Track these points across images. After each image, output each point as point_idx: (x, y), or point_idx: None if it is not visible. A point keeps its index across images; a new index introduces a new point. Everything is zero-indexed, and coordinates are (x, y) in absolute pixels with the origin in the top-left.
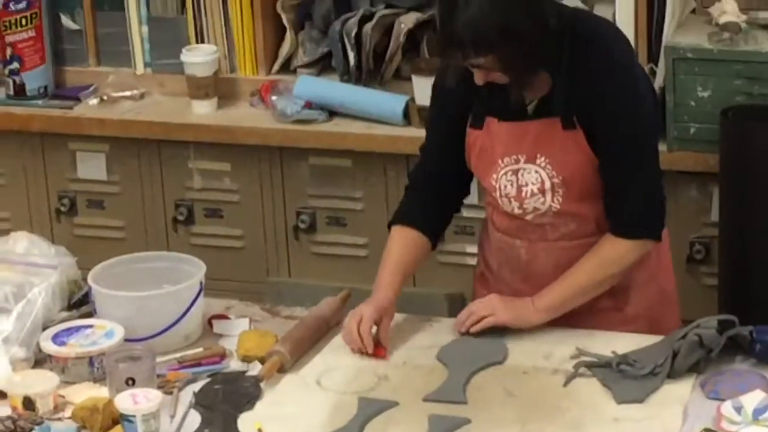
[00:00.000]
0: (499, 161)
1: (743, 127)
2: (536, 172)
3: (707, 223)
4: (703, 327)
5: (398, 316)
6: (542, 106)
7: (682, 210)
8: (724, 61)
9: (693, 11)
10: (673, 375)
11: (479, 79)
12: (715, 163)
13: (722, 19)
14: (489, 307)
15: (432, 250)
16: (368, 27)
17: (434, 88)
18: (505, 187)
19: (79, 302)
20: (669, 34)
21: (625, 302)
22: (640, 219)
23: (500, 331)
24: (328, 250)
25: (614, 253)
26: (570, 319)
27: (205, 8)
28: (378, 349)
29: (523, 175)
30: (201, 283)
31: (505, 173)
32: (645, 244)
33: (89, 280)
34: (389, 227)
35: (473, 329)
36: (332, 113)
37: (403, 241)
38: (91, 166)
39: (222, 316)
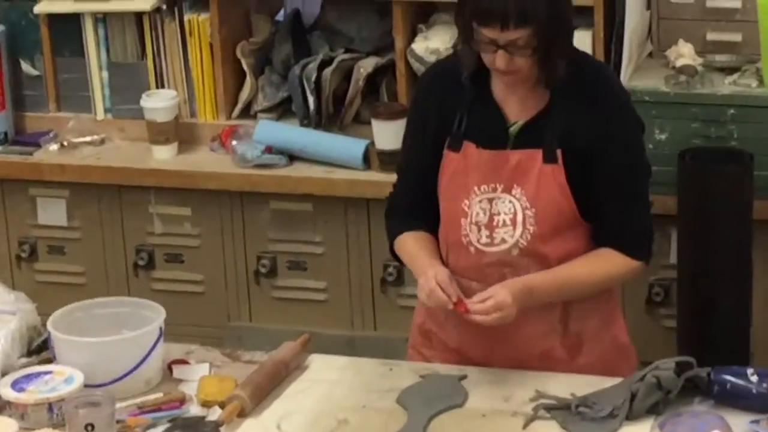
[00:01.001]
0: (476, 188)
1: (701, 169)
2: (510, 202)
3: (666, 265)
4: (662, 368)
5: (357, 360)
6: (524, 133)
7: None
8: (681, 104)
9: (650, 55)
10: (631, 417)
11: (501, 62)
12: (673, 206)
13: (679, 63)
14: (499, 307)
15: None
16: (328, 72)
17: (413, 106)
18: (478, 214)
19: (38, 348)
20: (626, 78)
21: (578, 352)
22: (644, 240)
23: (460, 373)
24: (288, 295)
25: (621, 269)
26: (524, 365)
27: (165, 53)
28: (460, 303)
29: (497, 204)
30: (161, 328)
31: (480, 201)
32: (639, 266)
33: (49, 326)
34: (391, 250)
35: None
36: (292, 158)
37: (414, 237)
38: (52, 212)
39: (182, 361)
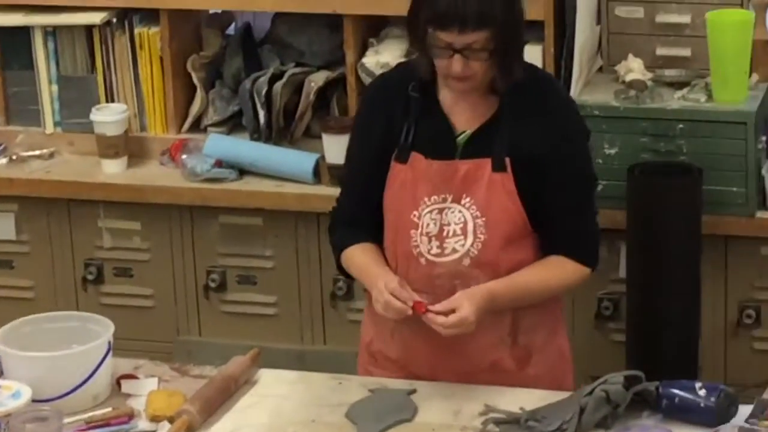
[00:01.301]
0: (426, 199)
1: (650, 183)
2: (460, 212)
3: (615, 280)
4: (610, 383)
5: (307, 374)
6: (472, 142)
7: None
8: (631, 118)
9: (600, 69)
10: (580, 431)
11: (457, 67)
12: (622, 220)
13: (628, 77)
14: (462, 320)
15: None
16: (278, 85)
17: (359, 117)
18: (428, 225)
19: None
20: (576, 92)
21: (526, 363)
22: (593, 247)
23: (409, 387)
24: (238, 309)
25: (572, 275)
26: (473, 379)
27: (115, 67)
28: (416, 303)
29: (447, 214)
30: (109, 342)
31: (431, 211)
32: (588, 272)
33: None
34: (338, 264)
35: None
36: (243, 172)
37: (361, 249)
38: (0, 226)
39: (131, 376)
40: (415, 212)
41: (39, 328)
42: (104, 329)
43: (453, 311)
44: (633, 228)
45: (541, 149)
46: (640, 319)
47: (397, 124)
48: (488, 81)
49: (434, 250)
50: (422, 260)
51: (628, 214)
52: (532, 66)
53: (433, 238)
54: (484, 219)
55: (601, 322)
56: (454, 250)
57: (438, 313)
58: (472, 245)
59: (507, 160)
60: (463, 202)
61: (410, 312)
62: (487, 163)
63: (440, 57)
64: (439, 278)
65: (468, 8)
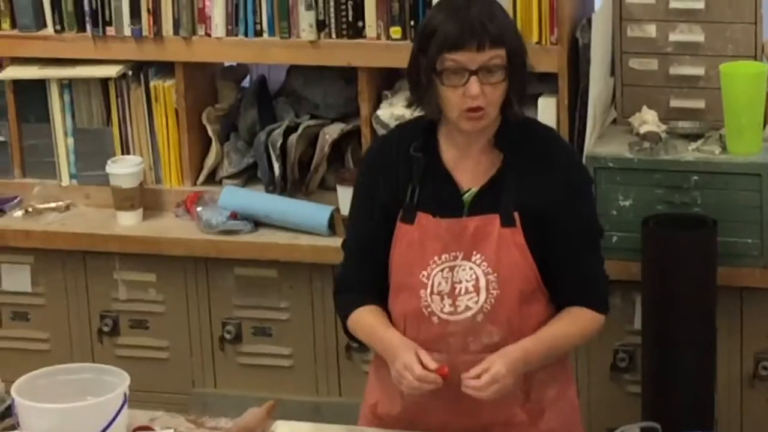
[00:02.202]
0: (436, 258)
1: (664, 235)
2: (471, 269)
3: (630, 331)
4: None
5: (323, 426)
6: (479, 199)
7: (606, 318)
8: (645, 170)
9: (614, 121)
10: None
11: (476, 88)
12: (637, 272)
13: (643, 129)
14: (495, 379)
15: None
16: (293, 138)
17: (360, 182)
18: (440, 284)
19: (2, 415)
20: (590, 144)
21: (540, 417)
22: (605, 294)
23: None
24: (253, 361)
25: (592, 325)
26: None
27: (130, 119)
28: (440, 369)
29: (458, 272)
30: (125, 394)
31: (441, 270)
32: (603, 319)
33: (12, 393)
34: (345, 331)
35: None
36: (258, 224)
37: (369, 312)
38: (16, 278)
39: (147, 428)
40: (424, 272)
41: (55, 379)
42: (120, 381)
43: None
44: (648, 280)
45: (548, 203)
46: (655, 371)
47: (401, 185)
48: (488, 134)
49: (447, 309)
50: (434, 319)
51: (643, 266)
52: (532, 120)
53: (446, 296)
54: (496, 275)
55: (616, 374)
56: (468, 308)
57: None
58: (485, 301)
59: (515, 214)
60: (473, 258)
61: (441, 382)
62: (495, 218)
63: (455, 84)
64: (453, 336)
65: (486, 25)
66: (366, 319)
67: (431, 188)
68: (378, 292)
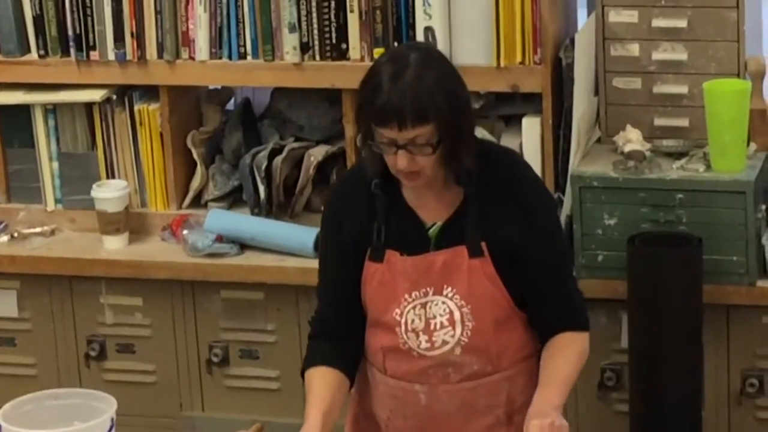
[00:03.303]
0: (406, 295)
1: (650, 253)
2: (443, 303)
3: (617, 350)
4: None
5: None
6: (445, 233)
7: (592, 337)
8: (630, 189)
9: (598, 140)
10: None
11: (402, 162)
12: (623, 290)
13: (627, 148)
14: (553, 425)
15: (350, 388)
16: (278, 160)
17: (326, 223)
18: (413, 321)
19: None
20: (575, 163)
21: None
22: (583, 313)
23: None
24: (241, 384)
25: (584, 345)
26: None
27: (115, 144)
28: None
29: (431, 307)
30: (112, 419)
31: (413, 307)
32: (587, 336)
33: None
34: (302, 375)
35: None
36: (243, 246)
37: (320, 380)
38: (2, 303)
39: None
40: (397, 310)
41: (41, 405)
42: (107, 406)
43: None
44: (634, 298)
45: (514, 231)
46: (643, 389)
47: (366, 223)
48: (442, 174)
49: (423, 345)
50: (414, 353)
51: (629, 284)
52: (488, 144)
53: (421, 333)
54: (469, 307)
55: (604, 393)
56: (445, 342)
57: None
58: (461, 334)
59: (483, 244)
60: (445, 292)
61: None
62: (463, 250)
63: (387, 153)
64: (432, 368)
65: (406, 104)
66: (311, 383)
67: (396, 225)
68: (352, 336)
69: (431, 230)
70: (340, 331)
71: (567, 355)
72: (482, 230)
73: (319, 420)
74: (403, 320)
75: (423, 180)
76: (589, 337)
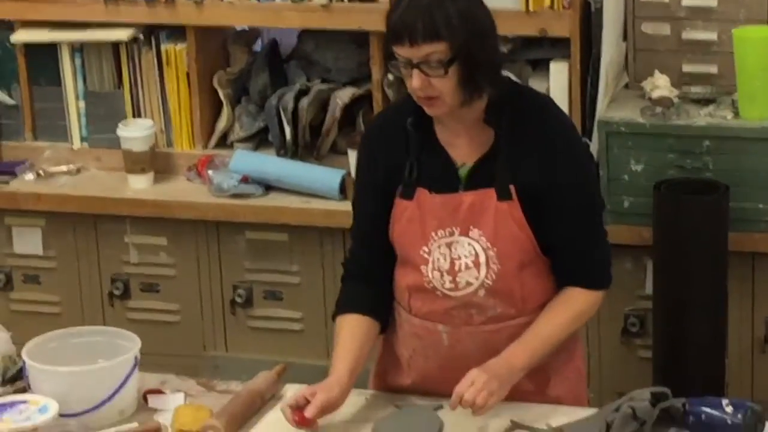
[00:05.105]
0: (433, 234)
1: (676, 200)
2: (469, 244)
3: (642, 296)
4: (637, 399)
5: None
6: (475, 174)
7: (617, 283)
8: (657, 135)
9: (626, 86)
10: None
11: (417, 82)
12: (648, 236)
13: (655, 94)
14: (485, 388)
15: (383, 332)
16: (304, 102)
17: (360, 163)
18: (438, 260)
19: (13, 377)
20: (602, 109)
21: (546, 385)
22: (603, 270)
23: (435, 403)
24: (264, 324)
25: (586, 305)
26: None
27: (141, 83)
28: (301, 416)
29: (456, 248)
30: (136, 357)
31: (439, 246)
32: (603, 295)
33: (23, 355)
34: (333, 319)
35: (479, 413)
36: (269, 187)
37: (349, 329)
38: (27, 241)
39: (157, 391)
40: (425, 247)
41: (65, 342)
42: (131, 344)
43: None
44: (659, 244)
45: (544, 177)
46: (666, 336)
47: (399, 162)
48: (472, 113)
49: (447, 285)
50: (438, 293)
51: (655, 231)
52: (525, 89)
53: (445, 273)
54: (495, 249)
55: (627, 338)
56: (468, 284)
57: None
58: (486, 277)
59: (512, 188)
60: (471, 234)
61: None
62: (491, 193)
63: (405, 76)
64: (455, 309)
65: (418, 20)
66: (340, 332)
67: (428, 164)
68: (385, 278)
69: (461, 170)
70: (373, 272)
71: (560, 314)
72: (512, 173)
73: (346, 373)
74: (430, 258)
75: (443, 108)
76: (599, 297)
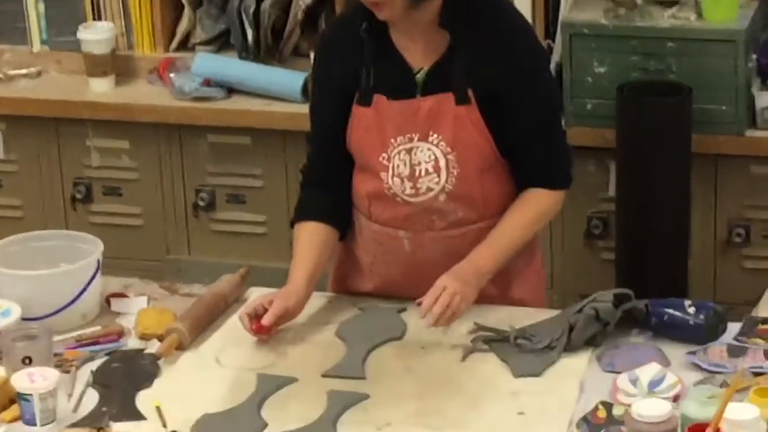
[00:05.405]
0: (392, 140)
1: (639, 102)
2: (429, 149)
3: (605, 198)
4: (600, 301)
5: None
6: (432, 78)
7: (580, 185)
8: (620, 36)
9: None
10: (569, 348)
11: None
12: (612, 139)
13: None
14: (453, 293)
15: (342, 239)
16: (266, 4)
17: (316, 69)
18: (398, 166)
19: None
20: (565, 10)
21: (508, 288)
22: (564, 170)
23: (399, 305)
24: (227, 228)
25: (547, 205)
26: None
27: None
28: (258, 325)
29: (416, 153)
30: (98, 261)
31: (398, 152)
32: (564, 194)
33: None
34: (291, 226)
35: (450, 322)
36: (231, 90)
37: (307, 236)
38: None
39: (120, 295)
40: (384, 154)
41: (27, 246)
42: (93, 248)
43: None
44: (622, 146)
45: (501, 79)
46: (629, 238)
47: (355, 68)
48: (425, 16)
49: (408, 191)
50: (398, 199)
51: (618, 133)
52: None
53: (406, 179)
54: (455, 153)
55: (590, 241)
56: (429, 189)
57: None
58: (446, 182)
59: (469, 91)
60: (430, 139)
61: (251, 333)
62: (449, 97)
63: None
64: (417, 215)
65: None
66: (298, 239)
67: (384, 69)
68: (342, 184)
69: (418, 75)
70: (331, 178)
71: (523, 215)
72: (469, 77)
73: (304, 281)
74: (390, 165)
75: (392, 11)
76: (561, 196)
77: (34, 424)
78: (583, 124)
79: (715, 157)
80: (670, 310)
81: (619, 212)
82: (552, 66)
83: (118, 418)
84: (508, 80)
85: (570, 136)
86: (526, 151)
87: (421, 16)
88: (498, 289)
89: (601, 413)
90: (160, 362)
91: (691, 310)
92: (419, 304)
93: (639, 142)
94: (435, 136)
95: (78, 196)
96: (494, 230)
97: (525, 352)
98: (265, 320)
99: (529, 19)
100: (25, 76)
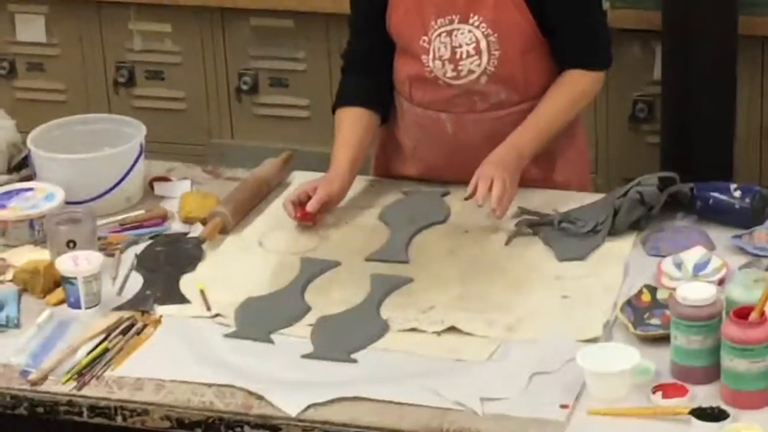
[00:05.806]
0: (432, 23)
1: None
2: (470, 31)
3: (650, 81)
4: (644, 184)
5: None
6: None
7: (625, 68)
8: None
9: None
10: (614, 232)
11: None
12: (657, 21)
13: None
14: (503, 181)
15: (383, 123)
16: None
17: None
18: (439, 49)
19: (19, 165)
20: None
21: (551, 170)
22: (603, 50)
23: (442, 189)
24: (270, 112)
25: (587, 86)
26: None
27: None
28: (303, 212)
29: (457, 36)
30: (141, 145)
31: (439, 35)
32: (603, 75)
33: (29, 143)
34: (333, 111)
35: (500, 213)
36: None
37: (348, 121)
38: (30, 28)
39: (163, 179)
40: (425, 37)
41: (70, 130)
42: (136, 132)
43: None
44: (668, 29)
45: None
46: (674, 121)
47: None
48: None
49: (449, 74)
50: (440, 82)
51: (664, 15)
52: None
53: (447, 62)
54: (496, 35)
55: (635, 124)
56: (471, 71)
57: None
58: (488, 63)
59: None
60: (471, 21)
61: (297, 221)
62: None
63: None
64: (458, 97)
65: None
66: (340, 125)
67: None
68: (383, 67)
69: None
70: (371, 62)
71: (562, 96)
72: None
73: (347, 166)
74: (431, 47)
75: None
76: (601, 77)
77: (79, 307)
78: (627, 5)
79: (762, 40)
80: (716, 194)
81: (664, 95)
82: None
83: (162, 302)
84: None
85: (615, 18)
86: (564, 30)
87: None
88: (542, 171)
89: (646, 297)
90: (204, 246)
91: (737, 193)
92: (466, 199)
93: (685, 24)
94: (475, 17)
95: (120, 80)
96: (533, 113)
97: (569, 236)
98: (310, 207)
99: None
100: None
